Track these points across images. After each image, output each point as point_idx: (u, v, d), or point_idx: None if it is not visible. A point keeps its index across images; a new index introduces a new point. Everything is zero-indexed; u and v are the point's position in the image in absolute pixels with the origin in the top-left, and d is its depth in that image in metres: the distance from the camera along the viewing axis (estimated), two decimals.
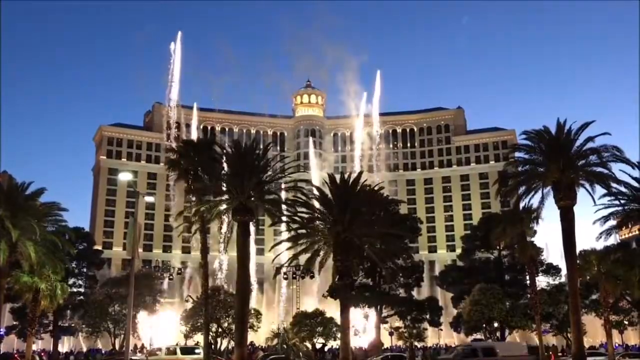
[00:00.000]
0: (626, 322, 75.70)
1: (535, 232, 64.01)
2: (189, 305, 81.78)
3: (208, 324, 57.81)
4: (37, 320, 69.75)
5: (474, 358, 49.64)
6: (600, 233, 51.09)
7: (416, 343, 78.55)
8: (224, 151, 50.37)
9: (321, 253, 48.47)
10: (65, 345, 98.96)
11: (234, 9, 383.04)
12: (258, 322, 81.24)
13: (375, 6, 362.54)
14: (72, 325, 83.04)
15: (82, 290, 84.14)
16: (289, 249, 48.17)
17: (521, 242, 58.07)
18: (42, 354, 77.48)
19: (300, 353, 67.04)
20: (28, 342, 62.29)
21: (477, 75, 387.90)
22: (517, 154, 50.72)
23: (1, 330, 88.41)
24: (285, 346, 71.21)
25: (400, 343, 79.97)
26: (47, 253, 53.41)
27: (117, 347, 79.94)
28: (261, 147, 50.76)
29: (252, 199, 44.70)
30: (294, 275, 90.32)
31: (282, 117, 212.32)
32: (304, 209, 47.69)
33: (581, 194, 45.69)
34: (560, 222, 45.52)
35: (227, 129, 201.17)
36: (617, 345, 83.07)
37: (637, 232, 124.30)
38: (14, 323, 78.82)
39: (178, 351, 61.89)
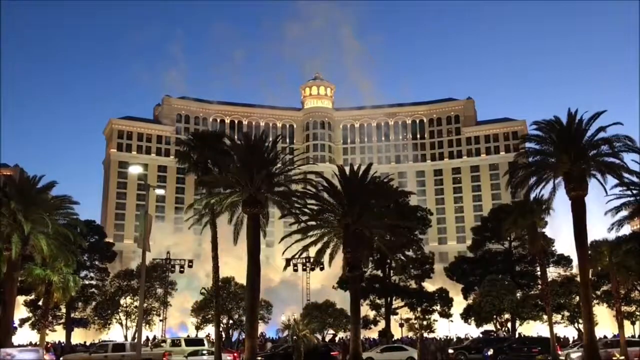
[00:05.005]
0: (638, 314, 75.27)
1: (546, 223, 63.63)
2: (200, 296, 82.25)
3: (219, 316, 58.02)
4: (50, 312, 70.53)
5: None
6: (612, 224, 50.82)
7: (426, 334, 78.55)
8: (234, 144, 50.39)
9: (331, 245, 48.66)
10: (77, 337, 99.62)
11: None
12: (269, 314, 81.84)
13: None
14: (84, 317, 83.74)
15: (93, 282, 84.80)
16: (298, 241, 48.33)
17: (532, 233, 57.72)
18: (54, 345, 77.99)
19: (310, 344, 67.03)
20: (41, 334, 62.93)
21: (487, 66, 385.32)
22: (527, 145, 50.38)
23: (14, 322, 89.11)
24: (295, 337, 71.35)
25: (410, 334, 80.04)
26: (59, 246, 53.96)
27: (129, 338, 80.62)
28: (270, 139, 50.75)
29: (262, 191, 44.75)
30: (304, 267, 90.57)
31: (291, 109, 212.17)
32: (313, 201, 47.85)
33: (593, 184, 45.46)
34: (572, 213, 45.29)
35: (236, 122, 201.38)
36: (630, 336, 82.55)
37: None
38: (28, 315, 79.63)
39: (183, 343, 61.93)
